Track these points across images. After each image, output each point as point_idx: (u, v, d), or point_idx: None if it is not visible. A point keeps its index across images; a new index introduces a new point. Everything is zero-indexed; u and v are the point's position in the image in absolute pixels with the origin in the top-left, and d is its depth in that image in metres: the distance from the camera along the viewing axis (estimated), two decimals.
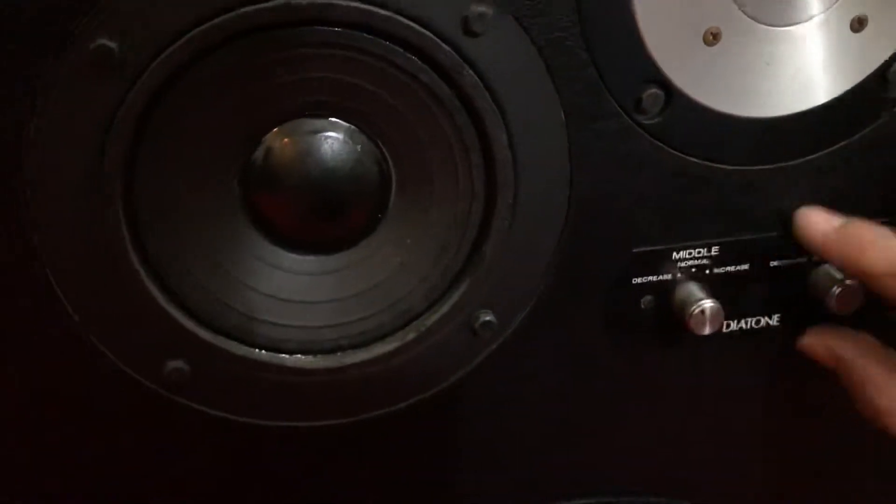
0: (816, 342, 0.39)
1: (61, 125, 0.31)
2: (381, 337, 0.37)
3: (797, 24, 0.35)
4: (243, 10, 0.31)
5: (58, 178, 0.32)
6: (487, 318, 0.37)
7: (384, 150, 0.35)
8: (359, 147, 0.35)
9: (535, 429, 0.40)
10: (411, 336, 0.37)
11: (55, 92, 0.31)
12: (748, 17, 0.34)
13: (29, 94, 0.31)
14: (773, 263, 0.39)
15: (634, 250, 0.37)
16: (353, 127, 0.35)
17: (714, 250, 0.38)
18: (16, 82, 0.31)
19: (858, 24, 0.35)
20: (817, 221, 0.37)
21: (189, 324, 0.35)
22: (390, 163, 0.36)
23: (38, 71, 0.30)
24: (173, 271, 0.35)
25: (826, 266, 0.39)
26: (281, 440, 0.38)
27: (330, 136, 0.35)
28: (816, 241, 0.37)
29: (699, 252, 0.38)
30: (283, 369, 0.36)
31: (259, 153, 0.35)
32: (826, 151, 0.37)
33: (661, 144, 0.36)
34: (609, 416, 0.41)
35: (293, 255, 0.36)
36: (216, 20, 0.31)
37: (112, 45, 0.30)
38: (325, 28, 0.32)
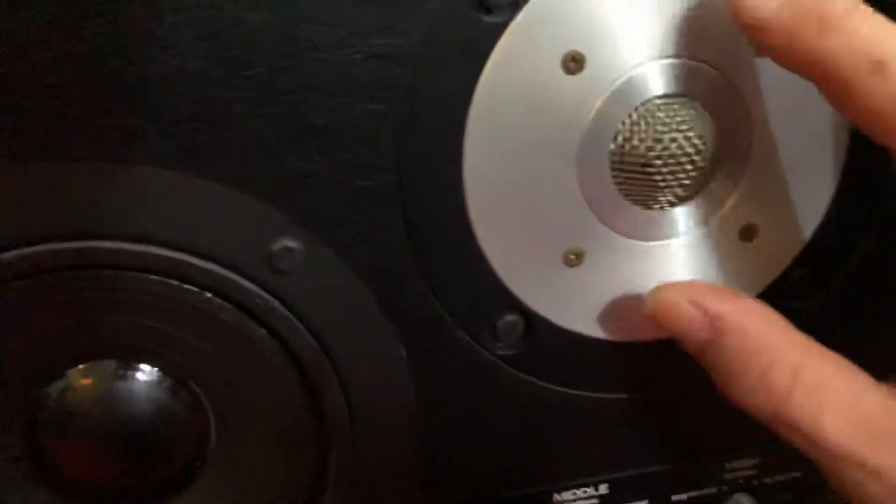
0: (678, 295, 0.29)
1: None
2: None
3: (675, 237, 0.30)
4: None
5: None
6: None
7: (199, 393, 0.30)
8: (166, 390, 0.30)
9: None
10: None
11: None
12: (616, 233, 0.29)
13: None
14: (676, 497, 0.33)
15: (503, 495, 0.32)
16: (157, 370, 0.30)
17: (602, 488, 0.33)
18: None
19: (747, 234, 0.30)
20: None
21: None
22: (207, 407, 0.30)
23: None
24: None
25: (738, 496, 0.33)
26: None
27: (132, 379, 0.30)
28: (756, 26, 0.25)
29: (585, 492, 0.33)
30: None
31: (52, 396, 0.29)
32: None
33: (525, 376, 0.31)
34: None
35: None
36: None
37: None
38: (112, 271, 0.27)
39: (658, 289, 0.29)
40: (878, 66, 0.24)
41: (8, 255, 0.26)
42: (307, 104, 0.25)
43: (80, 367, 0.30)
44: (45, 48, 0.23)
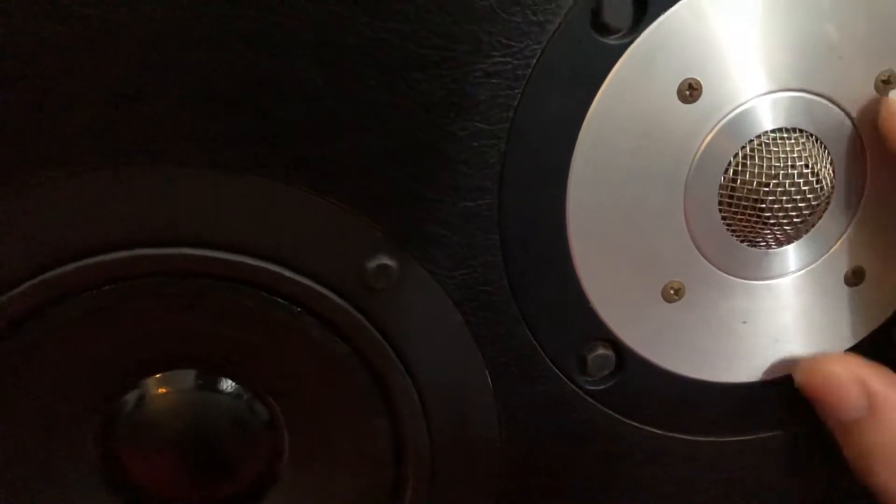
0: (845, 371, 0.29)
1: None
2: None
3: (779, 277, 0.29)
4: (98, 259, 0.25)
5: None
6: None
7: (276, 408, 0.29)
8: (243, 404, 0.29)
9: None
10: None
11: None
12: (718, 269, 0.28)
13: None
14: None
15: None
16: (236, 382, 0.29)
17: None
18: None
19: (854, 278, 0.29)
20: None
21: None
22: (283, 424, 0.29)
23: None
24: None
25: None
26: None
27: (210, 391, 0.29)
28: None
29: None
30: None
31: (128, 405, 0.29)
32: (813, 423, 0.31)
33: (611, 413, 0.29)
34: None
35: None
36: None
37: None
38: (204, 279, 0.26)
39: (818, 359, 0.29)
40: None
41: (96, 260, 0.26)
42: (417, 121, 0.24)
43: (158, 375, 0.29)
44: (155, 53, 0.23)
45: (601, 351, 0.29)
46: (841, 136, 0.27)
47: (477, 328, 0.28)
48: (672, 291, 0.28)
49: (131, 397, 0.29)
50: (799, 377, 0.29)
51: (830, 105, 0.27)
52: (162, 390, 0.29)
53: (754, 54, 0.26)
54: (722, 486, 0.31)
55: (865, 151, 0.28)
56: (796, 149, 0.27)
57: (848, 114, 0.27)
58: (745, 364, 0.29)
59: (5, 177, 0.24)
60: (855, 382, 0.28)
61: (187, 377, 0.29)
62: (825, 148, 0.27)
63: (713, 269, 0.28)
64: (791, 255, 0.28)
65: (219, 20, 0.23)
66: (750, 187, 0.27)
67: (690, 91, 0.26)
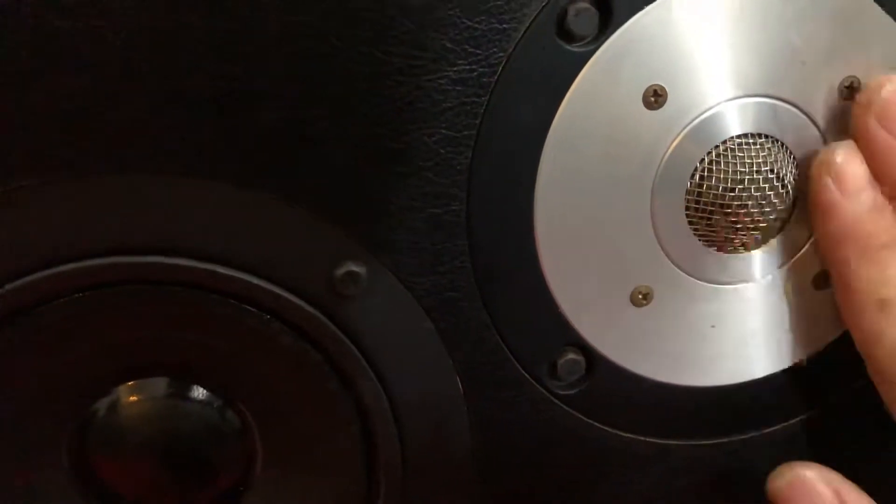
0: (819, 476, 0.29)
1: None
2: None
3: (747, 281, 0.29)
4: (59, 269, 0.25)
5: None
6: None
7: (248, 415, 0.29)
8: (215, 411, 0.29)
9: None
10: None
11: None
12: (686, 274, 0.28)
13: None
14: None
15: None
16: (208, 390, 0.29)
17: None
18: None
19: (822, 281, 0.29)
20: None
21: None
22: (255, 431, 0.30)
23: None
24: None
25: None
26: None
27: (182, 398, 0.29)
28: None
29: None
30: None
31: (100, 412, 0.29)
32: (786, 423, 0.31)
33: (582, 417, 0.29)
34: None
35: None
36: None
37: None
38: (176, 288, 0.26)
39: (790, 465, 0.29)
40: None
41: (68, 267, 0.26)
42: (385, 128, 0.25)
43: (130, 383, 0.29)
44: (126, 61, 0.23)
45: (571, 356, 0.29)
46: (806, 142, 0.28)
47: (447, 334, 0.28)
48: (640, 296, 0.28)
49: (103, 405, 0.29)
50: (770, 484, 0.30)
51: (795, 111, 0.27)
52: (134, 398, 0.29)
53: (720, 60, 0.26)
54: (695, 489, 0.31)
55: None
56: (762, 154, 0.27)
57: (813, 119, 0.28)
58: (715, 367, 0.30)
59: None
60: (828, 488, 0.29)
61: (159, 385, 0.29)
62: (790, 153, 0.28)
63: (681, 273, 0.28)
64: (758, 259, 0.29)
65: (189, 28, 0.23)
66: (716, 192, 0.27)
67: (655, 97, 0.26)
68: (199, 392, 0.29)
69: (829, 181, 0.27)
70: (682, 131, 0.27)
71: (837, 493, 0.29)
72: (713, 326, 0.29)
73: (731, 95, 0.27)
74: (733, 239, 0.28)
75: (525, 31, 0.25)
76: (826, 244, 0.28)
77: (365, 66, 0.24)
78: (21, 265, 0.25)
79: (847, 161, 0.27)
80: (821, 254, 0.29)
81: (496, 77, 0.25)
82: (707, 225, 0.28)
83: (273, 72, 0.24)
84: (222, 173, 0.25)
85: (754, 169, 0.27)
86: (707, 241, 0.28)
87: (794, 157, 0.28)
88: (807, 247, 0.29)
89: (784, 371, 0.30)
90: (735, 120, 0.27)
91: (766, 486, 0.30)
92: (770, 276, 0.29)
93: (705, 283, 0.29)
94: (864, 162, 0.27)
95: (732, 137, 0.27)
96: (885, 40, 0.27)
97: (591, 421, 0.30)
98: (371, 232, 0.26)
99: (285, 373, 0.28)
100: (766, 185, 0.27)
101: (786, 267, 0.29)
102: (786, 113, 0.27)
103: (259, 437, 0.30)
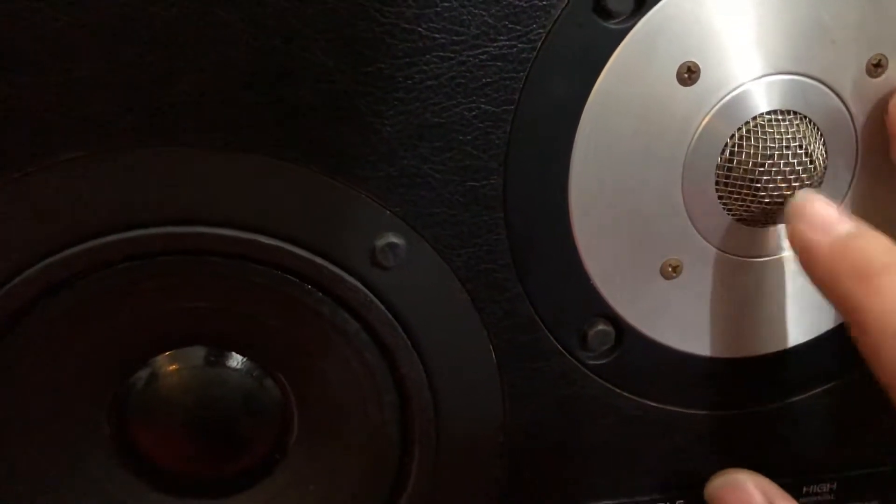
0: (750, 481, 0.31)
1: None
2: None
3: (774, 255, 0.30)
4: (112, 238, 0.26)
5: None
6: None
7: (286, 385, 0.30)
8: (253, 380, 0.30)
9: None
10: None
11: None
12: (715, 247, 0.29)
13: None
14: None
15: None
16: (246, 359, 0.30)
17: None
18: None
19: None
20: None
21: None
22: (292, 399, 0.30)
23: None
24: None
25: None
26: None
27: (221, 367, 0.30)
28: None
29: None
30: None
31: (140, 382, 0.30)
32: (809, 393, 0.32)
33: (611, 387, 0.30)
34: None
35: (174, 501, 0.31)
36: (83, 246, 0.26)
37: None
38: (218, 258, 0.27)
39: (726, 471, 0.32)
40: None
41: (112, 238, 0.26)
42: (426, 102, 0.25)
43: (169, 353, 0.30)
44: (175, 37, 0.24)
45: (601, 327, 0.29)
46: (833, 118, 0.28)
47: (482, 305, 0.29)
48: (670, 269, 0.29)
49: (143, 374, 0.30)
50: (707, 485, 0.32)
51: (823, 88, 0.28)
52: (173, 367, 0.30)
53: (750, 38, 0.27)
54: (717, 457, 0.32)
55: (857, 132, 0.29)
56: (790, 130, 0.28)
57: (840, 96, 0.28)
58: (742, 339, 0.30)
59: (24, 157, 0.25)
60: (758, 490, 0.31)
61: (197, 354, 0.30)
62: (818, 129, 0.28)
63: (710, 247, 0.29)
64: (784, 234, 0.29)
65: (235, 6, 0.24)
66: (746, 167, 0.28)
67: (689, 74, 0.27)
68: (237, 361, 0.30)
69: (800, 226, 0.27)
70: (713, 108, 0.27)
71: (766, 495, 0.31)
72: (740, 299, 0.30)
73: (761, 73, 0.27)
74: (761, 213, 0.29)
75: (564, 8, 0.25)
76: (824, 287, 0.27)
77: (408, 42, 0.25)
78: (65, 237, 0.26)
79: (809, 201, 0.27)
80: (827, 299, 0.27)
81: (535, 53, 0.25)
82: (736, 199, 0.28)
83: (317, 49, 0.24)
84: (266, 146, 0.25)
85: (783, 144, 0.28)
86: (736, 215, 0.29)
87: (821, 133, 0.28)
88: None
89: (808, 343, 0.31)
90: (764, 97, 0.27)
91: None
92: None
93: (734, 257, 0.29)
94: (830, 203, 0.27)
95: (762, 114, 0.28)
96: None
97: (619, 390, 0.30)
98: (411, 204, 0.27)
99: (324, 343, 0.29)
100: (795, 161, 0.28)
101: None
102: (814, 90, 0.28)
103: (296, 406, 0.30)
